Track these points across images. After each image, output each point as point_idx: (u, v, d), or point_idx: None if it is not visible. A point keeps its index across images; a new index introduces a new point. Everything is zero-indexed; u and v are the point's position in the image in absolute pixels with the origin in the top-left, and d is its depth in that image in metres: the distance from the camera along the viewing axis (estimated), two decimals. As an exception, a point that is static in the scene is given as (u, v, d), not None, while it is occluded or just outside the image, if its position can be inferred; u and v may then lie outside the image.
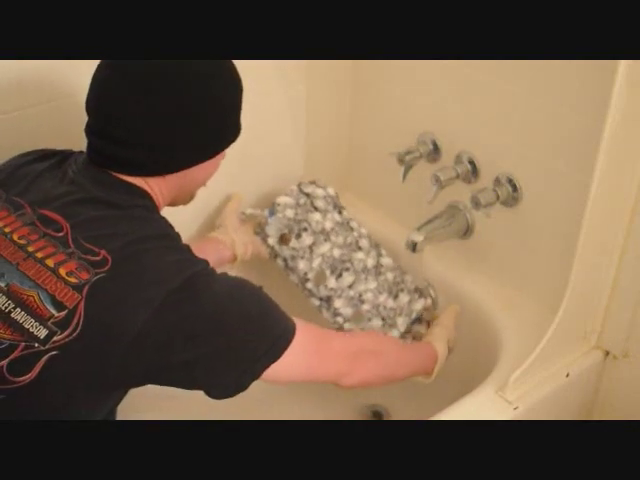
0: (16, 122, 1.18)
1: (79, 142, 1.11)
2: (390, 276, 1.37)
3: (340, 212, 1.42)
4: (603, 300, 1.26)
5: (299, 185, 1.42)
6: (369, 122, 1.56)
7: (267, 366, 0.93)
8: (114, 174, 0.97)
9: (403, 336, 1.34)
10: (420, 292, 1.38)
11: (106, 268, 0.88)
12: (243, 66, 1.23)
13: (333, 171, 1.65)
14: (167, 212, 1.11)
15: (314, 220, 1.37)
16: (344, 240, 1.37)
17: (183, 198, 1.08)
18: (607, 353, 1.31)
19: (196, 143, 0.98)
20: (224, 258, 1.37)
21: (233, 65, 1.02)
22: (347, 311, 1.32)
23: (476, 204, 1.29)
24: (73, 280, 0.87)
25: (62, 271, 0.88)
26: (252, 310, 0.94)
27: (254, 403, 1.44)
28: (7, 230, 0.93)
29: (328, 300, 1.33)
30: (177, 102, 0.94)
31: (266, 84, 1.45)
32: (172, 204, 1.06)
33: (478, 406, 1.16)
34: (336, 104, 1.57)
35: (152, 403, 1.37)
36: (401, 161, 1.40)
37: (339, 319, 1.32)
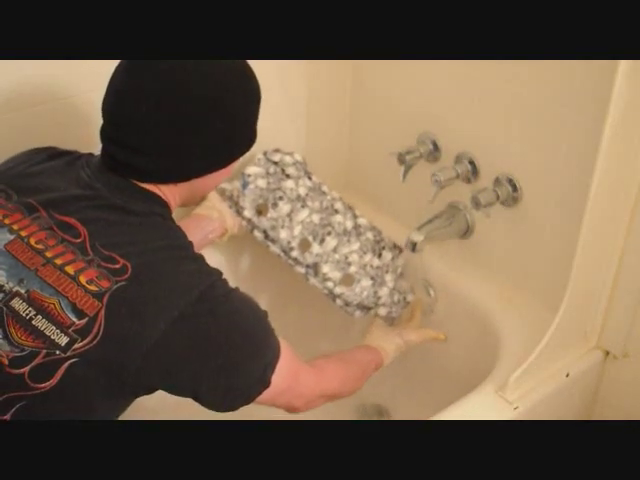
0: (16, 122, 1.19)
1: (79, 142, 1.11)
2: (370, 235, 1.38)
3: (310, 177, 1.40)
4: (603, 300, 1.26)
5: (265, 154, 1.39)
6: (369, 122, 1.56)
7: (260, 392, 0.95)
8: (129, 180, 0.97)
9: (392, 292, 1.36)
10: (399, 248, 1.40)
11: (126, 276, 0.88)
12: (243, 66, 1.23)
13: (333, 171, 1.65)
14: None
15: (288, 188, 1.35)
16: (320, 205, 1.36)
17: (194, 201, 1.09)
18: (607, 353, 1.31)
19: (211, 152, 0.98)
20: (212, 233, 1.33)
21: (252, 73, 1.01)
22: (336, 275, 1.32)
23: (476, 204, 1.29)
24: (94, 288, 0.87)
25: (82, 279, 0.88)
26: (258, 332, 0.96)
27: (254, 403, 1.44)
28: (23, 234, 0.92)
29: (315, 266, 1.32)
30: (193, 112, 0.93)
31: (266, 84, 1.44)
32: (182, 206, 1.06)
33: (478, 406, 1.16)
34: (336, 104, 1.57)
35: (154, 404, 1.37)
36: (401, 161, 1.40)
37: (329, 284, 1.32)
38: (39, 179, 0.99)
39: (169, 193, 1.00)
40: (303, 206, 1.34)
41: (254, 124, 1.03)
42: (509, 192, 1.30)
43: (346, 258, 1.33)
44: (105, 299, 0.87)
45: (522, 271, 1.36)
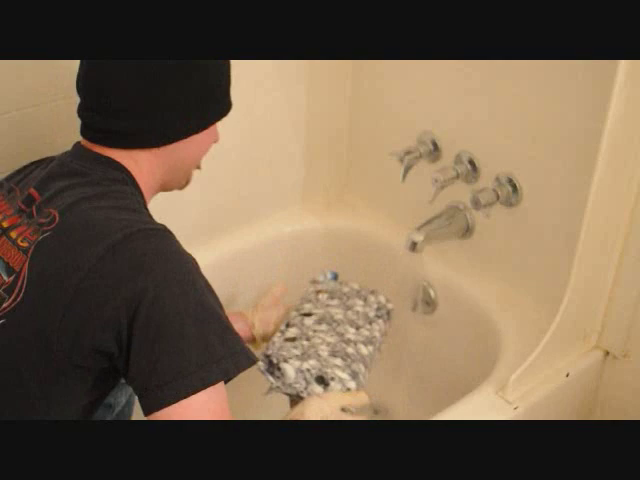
0: (16, 122, 1.19)
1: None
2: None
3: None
4: (603, 300, 1.26)
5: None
6: (369, 122, 1.56)
7: (197, 389, 0.81)
8: (97, 150, 0.95)
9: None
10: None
11: (52, 226, 0.87)
12: (243, 66, 1.23)
13: (333, 171, 1.65)
14: (172, 214, 1.10)
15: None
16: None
17: (177, 180, 1.04)
18: (607, 353, 1.31)
19: (183, 113, 0.95)
20: (244, 337, 1.17)
21: None
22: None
23: (476, 204, 1.29)
24: (24, 244, 0.87)
25: (19, 239, 0.88)
26: (195, 306, 0.84)
27: (254, 403, 1.44)
28: None
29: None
30: (162, 68, 0.92)
31: (266, 84, 1.45)
32: (166, 186, 1.03)
33: (478, 406, 1.16)
34: (336, 104, 1.57)
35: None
36: (401, 161, 1.40)
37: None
38: (26, 172, 1.01)
39: (147, 164, 0.96)
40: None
41: (227, 88, 1.01)
42: (509, 192, 1.30)
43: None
44: (30, 251, 0.86)
45: (522, 271, 1.36)
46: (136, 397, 0.85)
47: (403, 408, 1.56)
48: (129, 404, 1.17)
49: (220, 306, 0.88)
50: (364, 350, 1.16)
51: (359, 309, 1.25)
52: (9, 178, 1.02)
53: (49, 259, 0.85)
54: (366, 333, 1.19)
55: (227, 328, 0.86)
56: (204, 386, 0.81)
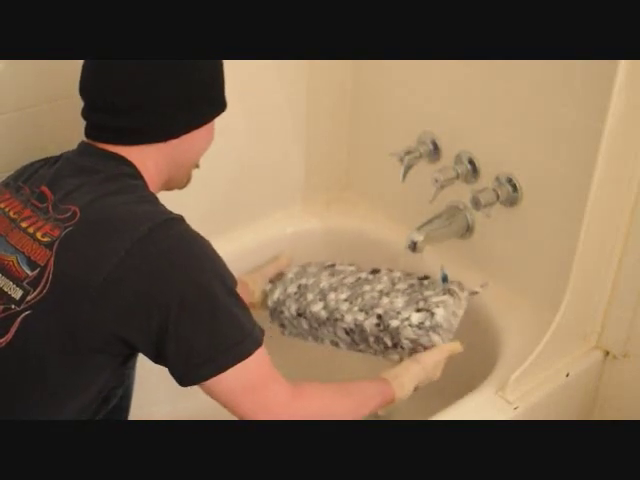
0: (15, 122, 1.19)
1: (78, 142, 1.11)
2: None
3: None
4: (603, 300, 1.26)
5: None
6: (369, 122, 1.56)
7: (235, 362, 0.89)
8: (102, 147, 0.98)
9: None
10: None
11: (74, 221, 0.89)
12: (243, 66, 1.23)
13: (333, 171, 1.65)
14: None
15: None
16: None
17: (179, 177, 1.07)
18: (607, 353, 1.31)
19: (186, 108, 0.99)
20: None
21: None
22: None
23: (476, 204, 1.29)
24: (46, 239, 0.90)
25: (39, 234, 0.91)
26: (223, 288, 0.90)
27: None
28: (6, 209, 0.97)
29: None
30: (165, 67, 0.95)
31: (266, 84, 1.45)
32: (169, 184, 1.06)
33: (478, 406, 1.16)
34: (336, 104, 1.57)
35: (155, 403, 1.37)
36: (401, 161, 1.40)
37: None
38: (31, 171, 1.03)
39: (150, 160, 0.99)
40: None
41: (222, 85, 1.04)
42: (509, 192, 1.30)
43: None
44: (55, 246, 0.88)
45: (522, 271, 1.36)
46: (132, 391, 0.92)
47: (403, 408, 1.56)
48: (126, 397, 1.16)
49: (235, 282, 0.94)
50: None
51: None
52: (14, 178, 1.03)
53: (75, 253, 0.88)
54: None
55: (245, 307, 0.94)
56: (246, 356, 0.90)
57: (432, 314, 1.19)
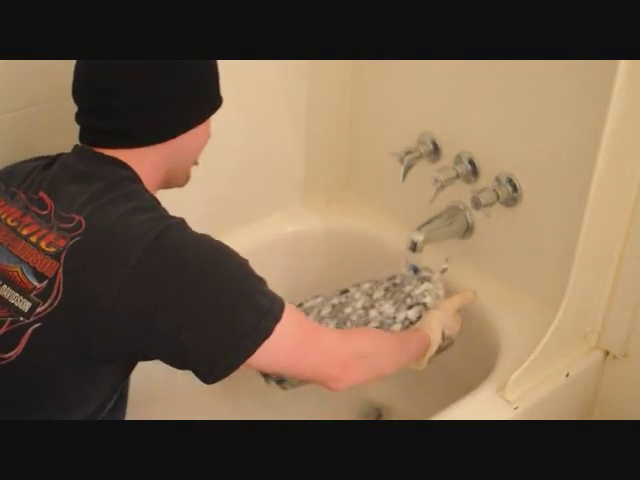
0: (15, 122, 1.19)
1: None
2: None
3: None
4: (603, 300, 1.26)
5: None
6: (369, 122, 1.56)
7: (259, 343, 0.88)
8: (98, 150, 0.97)
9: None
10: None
11: (80, 231, 0.89)
12: (243, 66, 1.23)
13: (333, 171, 1.65)
14: (172, 214, 1.10)
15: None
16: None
17: (178, 176, 1.06)
18: (607, 353, 1.31)
19: (183, 107, 0.98)
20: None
21: None
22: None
23: (476, 204, 1.29)
24: (52, 249, 0.88)
25: (43, 244, 0.89)
26: (235, 275, 0.91)
27: (254, 403, 1.44)
28: (3, 216, 0.95)
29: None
30: (162, 67, 0.94)
31: (266, 84, 1.45)
32: (168, 183, 1.05)
33: (478, 406, 1.16)
34: (336, 104, 1.57)
35: (155, 402, 1.37)
36: (401, 161, 1.40)
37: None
38: (24, 174, 1.01)
39: (147, 162, 0.98)
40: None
41: (217, 82, 1.04)
42: (509, 192, 1.30)
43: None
44: (62, 257, 0.87)
45: (522, 271, 1.36)
46: (128, 390, 0.92)
47: (403, 408, 1.56)
48: (122, 396, 1.16)
49: (246, 260, 0.95)
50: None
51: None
52: (3, 181, 1.01)
53: (85, 265, 0.87)
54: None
55: (260, 280, 0.93)
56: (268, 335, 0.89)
57: (424, 304, 1.22)
